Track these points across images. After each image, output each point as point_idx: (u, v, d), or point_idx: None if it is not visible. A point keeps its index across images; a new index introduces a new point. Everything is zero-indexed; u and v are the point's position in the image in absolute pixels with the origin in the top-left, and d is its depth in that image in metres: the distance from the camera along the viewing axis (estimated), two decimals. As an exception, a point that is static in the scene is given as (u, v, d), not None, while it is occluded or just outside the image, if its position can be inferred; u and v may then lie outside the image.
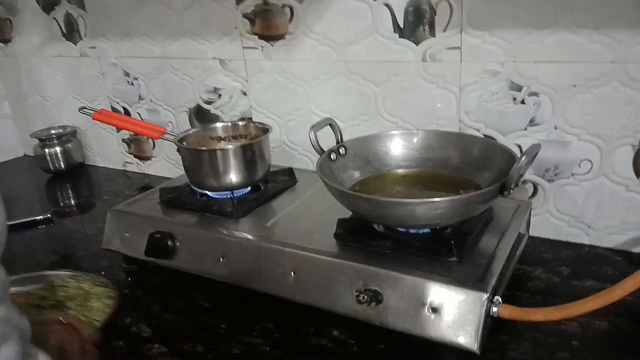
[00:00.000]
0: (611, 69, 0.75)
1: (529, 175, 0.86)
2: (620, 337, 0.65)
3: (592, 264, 0.80)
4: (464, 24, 0.83)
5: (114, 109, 1.33)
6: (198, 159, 0.86)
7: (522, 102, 0.83)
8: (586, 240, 0.86)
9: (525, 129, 0.84)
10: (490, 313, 0.59)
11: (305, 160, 1.08)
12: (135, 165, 1.38)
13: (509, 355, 0.63)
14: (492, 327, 0.62)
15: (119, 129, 1.34)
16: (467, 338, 0.58)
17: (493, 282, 0.61)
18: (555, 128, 0.82)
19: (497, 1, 0.79)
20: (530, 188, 0.87)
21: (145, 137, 1.20)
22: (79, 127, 1.43)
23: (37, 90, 1.47)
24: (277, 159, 1.06)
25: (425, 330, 0.61)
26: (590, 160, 0.81)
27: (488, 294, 0.58)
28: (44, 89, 1.46)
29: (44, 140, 1.38)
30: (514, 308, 0.59)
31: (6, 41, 0.94)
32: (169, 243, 0.81)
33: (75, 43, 1.31)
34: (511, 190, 0.63)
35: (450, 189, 0.76)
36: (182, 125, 1.22)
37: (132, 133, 1.30)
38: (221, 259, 0.76)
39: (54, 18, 1.31)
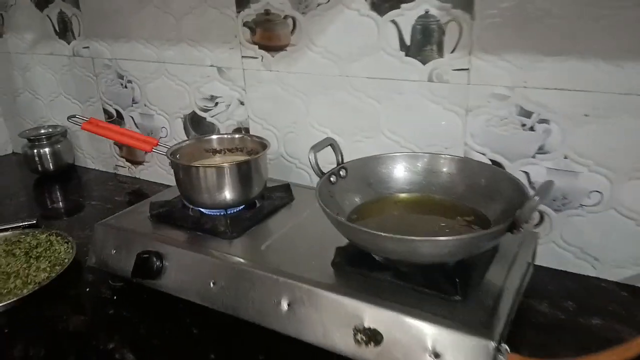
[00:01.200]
0: (625, 100, 0.72)
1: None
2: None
3: (598, 300, 0.77)
4: (473, 46, 0.79)
5: (106, 111, 1.29)
6: (191, 175, 0.83)
7: (531, 128, 0.79)
8: (592, 273, 0.83)
9: (534, 157, 0.81)
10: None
11: (303, 174, 1.05)
12: (126, 169, 1.34)
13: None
14: None
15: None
16: (470, 387, 0.55)
17: (500, 326, 0.57)
18: (565, 157, 0.78)
19: (507, 25, 0.76)
20: (536, 217, 0.84)
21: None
22: (70, 127, 1.39)
23: (29, 88, 1.43)
24: (273, 172, 1.02)
25: (426, 376, 0.57)
26: (600, 192, 0.78)
27: (495, 342, 0.55)
28: (35, 87, 1.41)
29: (33, 140, 1.33)
30: (522, 358, 0.55)
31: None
32: (157, 263, 0.77)
33: (68, 42, 1.27)
34: (521, 229, 0.60)
35: (454, 216, 0.73)
36: (176, 132, 1.18)
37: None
38: (212, 283, 0.73)
39: (47, 16, 1.26)
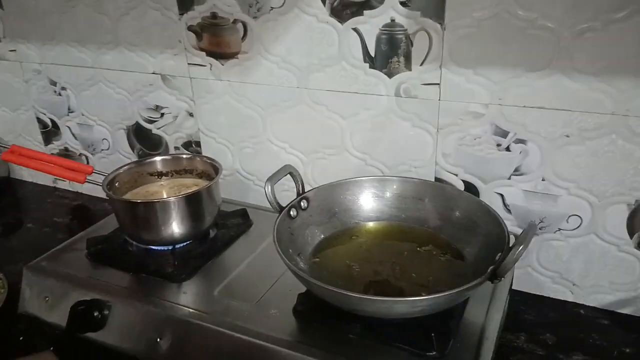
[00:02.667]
0: (610, 121, 0.66)
1: (511, 226, 0.77)
2: None
3: (578, 331, 0.73)
4: (445, 59, 0.71)
5: (40, 121, 1.15)
6: (132, 210, 0.73)
7: (507, 148, 0.73)
8: (570, 298, 0.78)
9: (509, 178, 0.75)
10: None
11: (261, 192, 0.95)
12: (67, 183, 1.22)
13: None
14: None
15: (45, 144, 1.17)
16: None
17: (481, 392, 0.52)
18: (543, 180, 0.73)
19: (483, 37, 0.68)
20: (512, 240, 0.78)
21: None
22: (2, 136, 1.25)
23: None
24: (228, 190, 0.93)
25: None
26: (580, 216, 0.73)
27: (477, 413, 0.49)
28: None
29: (-42, 153, 1.19)
30: None
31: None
32: (96, 314, 0.68)
33: (-9, 44, 1.12)
34: (503, 279, 0.54)
35: (428, 251, 0.66)
36: (119, 144, 1.07)
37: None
38: (159, 339, 0.64)
39: (-36, 14, 1.11)
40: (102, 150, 1.10)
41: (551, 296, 0.80)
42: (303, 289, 0.63)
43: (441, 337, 0.56)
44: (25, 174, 1.28)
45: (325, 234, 0.71)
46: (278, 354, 0.57)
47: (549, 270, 0.78)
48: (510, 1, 0.65)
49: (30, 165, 0.78)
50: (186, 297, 0.68)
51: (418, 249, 0.68)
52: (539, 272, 0.79)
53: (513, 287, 0.79)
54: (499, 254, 0.57)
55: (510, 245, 0.56)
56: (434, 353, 0.55)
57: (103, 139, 1.09)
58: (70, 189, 1.22)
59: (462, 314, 0.62)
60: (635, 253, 0.72)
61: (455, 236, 0.68)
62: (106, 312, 0.68)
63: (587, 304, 0.78)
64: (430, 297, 0.51)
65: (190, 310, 0.65)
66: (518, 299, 0.79)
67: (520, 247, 0.51)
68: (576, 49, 0.64)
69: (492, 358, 0.59)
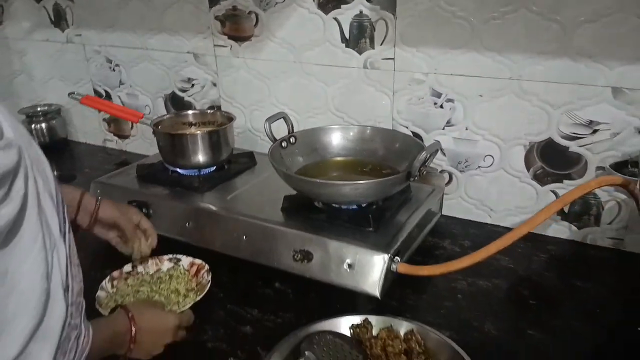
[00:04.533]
0: (508, 84, 0.93)
1: (445, 166, 1.05)
2: (497, 293, 0.85)
3: (489, 239, 0.99)
4: (397, 41, 1.00)
5: (96, 92, 1.47)
6: (171, 141, 1.02)
7: (441, 106, 1.01)
8: (489, 221, 1.05)
9: (443, 129, 1.02)
10: (391, 269, 0.77)
11: (266, 145, 1.24)
12: (114, 143, 1.53)
13: (407, 302, 0.81)
14: (399, 283, 0.80)
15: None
16: (372, 287, 0.77)
17: (395, 247, 0.79)
18: (466, 129, 1.00)
19: (422, 25, 0.96)
20: (446, 176, 1.06)
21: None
22: (64, 105, 1.57)
23: (25, 71, 1.59)
24: (242, 143, 1.23)
25: (343, 281, 0.79)
26: (492, 156, 1.00)
27: (389, 255, 0.77)
28: (31, 70, 1.58)
29: (31, 116, 1.51)
30: (407, 265, 0.77)
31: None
32: (144, 210, 0.97)
33: (62, 30, 1.44)
34: (416, 177, 0.82)
35: (376, 175, 0.94)
36: (158, 109, 1.37)
37: (113, 114, 1.44)
38: (187, 224, 0.93)
39: (44, 6, 1.43)
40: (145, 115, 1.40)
41: (476, 220, 1.06)
42: (289, 192, 0.91)
43: (375, 221, 0.84)
44: (81, 136, 1.59)
45: (306, 162, 0.99)
46: (267, 228, 0.86)
47: (472, 198, 1.05)
48: (438, -1, 0.93)
49: (101, 108, 1.09)
50: (207, 199, 0.96)
51: (370, 173, 0.95)
52: (465, 201, 1.06)
53: (448, 214, 1.07)
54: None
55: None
56: (370, 229, 0.83)
57: (146, 106, 1.40)
58: (116, 148, 1.53)
59: (395, 213, 0.90)
60: (532, 183, 0.98)
61: (394, 160, 0.95)
62: (151, 211, 0.97)
63: (501, 225, 1.04)
64: (364, 182, 0.79)
65: (210, 205, 0.94)
66: (450, 222, 1.06)
67: (424, 153, 0.79)
68: (484, 33, 0.92)
69: (413, 246, 0.86)
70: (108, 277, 0.86)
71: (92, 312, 0.72)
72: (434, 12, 0.95)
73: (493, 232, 1.03)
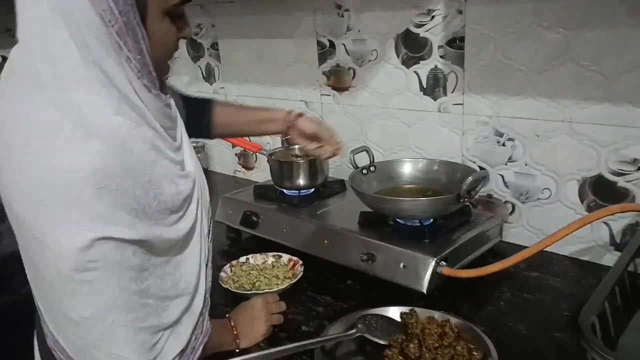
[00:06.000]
0: (561, 125, 1.07)
1: (509, 197, 1.19)
2: (538, 304, 0.97)
3: (545, 264, 1.11)
4: (465, 89, 1.19)
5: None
6: (279, 167, 1.31)
7: (503, 144, 1.17)
8: (549, 249, 1.15)
9: (506, 164, 1.17)
10: (437, 270, 0.94)
11: (359, 177, 1.49)
12: (242, 173, 1.88)
13: (454, 304, 0.97)
14: (450, 289, 0.97)
15: (233, 145, 1.85)
16: (420, 284, 0.94)
17: (443, 254, 0.96)
18: (526, 164, 1.14)
19: (486, 76, 1.15)
20: (510, 207, 1.20)
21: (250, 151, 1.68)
22: (207, 142, 1.97)
23: (181, 115, 2.04)
24: (337, 174, 1.48)
25: (399, 279, 0.98)
26: (549, 189, 1.12)
27: (436, 259, 0.94)
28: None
29: (182, 150, 1.93)
30: (450, 269, 0.94)
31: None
32: (254, 218, 1.26)
33: (210, 84, 1.85)
34: (466, 199, 0.99)
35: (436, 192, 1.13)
36: (275, 144, 1.69)
37: (241, 148, 1.80)
38: (285, 230, 1.19)
39: (199, 66, 1.86)
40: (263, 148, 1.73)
41: (537, 248, 1.17)
42: (367, 209, 1.13)
43: (431, 234, 1.02)
44: (218, 167, 1.98)
45: (381, 187, 1.20)
46: (345, 235, 1.08)
47: (534, 228, 1.17)
48: (498, 55, 1.12)
49: (231, 141, 1.42)
50: (303, 213, 1.22)
51: (427, 193, 1.14)
52: (527, 230, 1.18)
53: (511, 241, 1.20)
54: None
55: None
56: (426, 240, 1.01)
57: (267, 143, 1.72)
58: (243, 177, 1.88)
59: (451, 231, 1.06)
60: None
61: (454, 188, 1.11)
62: (260, 220, 1.26)
63: (560, 253, 1.14)
64: (419, 199, 0.99)
65: (303, 216, 1.19)
66: (511, 247, 1.18)
67: (470, 178, 0.96)
68: (538, 82, 1.08)
69: (465, 261, 1.02)
70: (228, 265, 1.14)
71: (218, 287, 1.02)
72: (495, 65, 1.13)
73: (549, 258, 1.13)
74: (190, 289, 0.73)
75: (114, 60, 0.56)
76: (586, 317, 0.56)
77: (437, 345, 0.82)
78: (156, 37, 0.62)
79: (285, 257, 1.15)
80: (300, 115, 1.07)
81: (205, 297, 0.76)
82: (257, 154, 1.39)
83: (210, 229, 0.80)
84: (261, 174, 1.80)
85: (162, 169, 0.64)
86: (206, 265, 0.77)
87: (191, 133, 0.92)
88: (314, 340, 0.85)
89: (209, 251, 0.78)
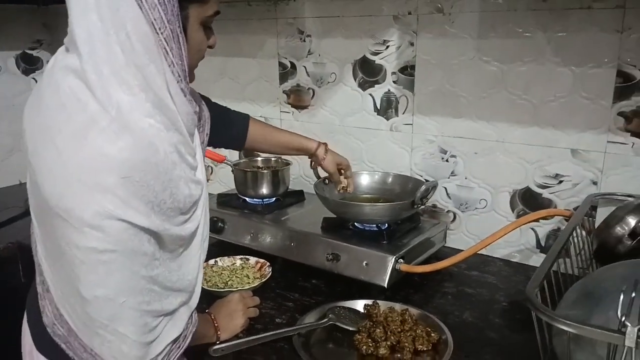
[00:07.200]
0: (496, 145, 1.25)
1: (451, 207, 1.35)
2: (478, 297, 1.12)
3: (482, 264, 1.27)
4: (415, 111, 1.35)
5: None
6: (244, 177, 1.39)
7: (447, 160, 1.33)
8: (484, 252, 1.32)
9: (449, 177, 1.34)
10: (396, 267, 1.07)
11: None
12: (195, 185, 1.92)
13: (409, 297, 1.10)
14: (404, 284, 1.10)
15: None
16: (382, 279, 1.06)
17: (400, 253, 1.09)
18: (466, 178, 1.31)
19: (433, 100, 1.31)
20: (451, 215, 1.36)
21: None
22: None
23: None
24: (296, 185, 1.58)
25: (362, 276, 1.09)
26: (486, 200, 1.30)
27: (395, 257, 1.07)
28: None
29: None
30: (406, 265, 1.07)
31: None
32: (220, 224, 1.32)
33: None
34: (419, 205, 1.13)
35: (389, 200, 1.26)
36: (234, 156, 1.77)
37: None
38: (251, 234, 1.27)
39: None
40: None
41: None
42: (328, 215, 1.24)
43: (388, 236, 1.15)
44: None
45: (341, 196, 1.32)
46: (309, 237, 1.18)
47: (472, 234, 1.34)
48: (444, 82, 1.28)
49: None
50: (267, 219, 1.31)
51: (381, 201, 1.27)
52: (466, 235, 1.35)
53: (453, 246, 1.35)
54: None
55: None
56: (384, 241, 1.14)
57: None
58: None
59: (404, 234, 1.20)
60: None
61: (406, 197, 1.25)
62: (225, 225, 1.33)
63: (493, 256, 1.31)
64: (378, 205, 1.12)
65: (268, 222, 1.28)
66: (452, 251, 1.32)
67: (423, 186, 1.11)
68: (477, 107, 1.25)
69: (417, 262, 1.16)
70: (196, 267, 1.20)
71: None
72: (441, 91, 1.30)
73: (485, 260, 1.30)
74: (191, 287, 0.80)
75: (156, 67, 0.64)
76: (531, 290, 0.71)
77: (399, 329, 0.94)
78: (192, 45, 0.70)
79: (253, 259, 1.23)
80: (327, 149, 1.21)
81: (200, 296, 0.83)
82: (214, 165, 1.46)
83: (207, 235, 0.86)
84: (217, 185, 1.86)
85: (181, 171, 0.70)
86: (203, 267, 0.85)
87: (219, 142, 0.99)
88: (292, 328, 0.95)
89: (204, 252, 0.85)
